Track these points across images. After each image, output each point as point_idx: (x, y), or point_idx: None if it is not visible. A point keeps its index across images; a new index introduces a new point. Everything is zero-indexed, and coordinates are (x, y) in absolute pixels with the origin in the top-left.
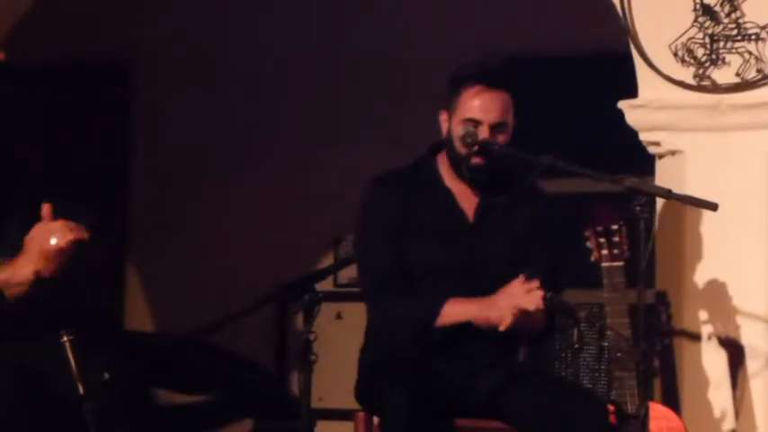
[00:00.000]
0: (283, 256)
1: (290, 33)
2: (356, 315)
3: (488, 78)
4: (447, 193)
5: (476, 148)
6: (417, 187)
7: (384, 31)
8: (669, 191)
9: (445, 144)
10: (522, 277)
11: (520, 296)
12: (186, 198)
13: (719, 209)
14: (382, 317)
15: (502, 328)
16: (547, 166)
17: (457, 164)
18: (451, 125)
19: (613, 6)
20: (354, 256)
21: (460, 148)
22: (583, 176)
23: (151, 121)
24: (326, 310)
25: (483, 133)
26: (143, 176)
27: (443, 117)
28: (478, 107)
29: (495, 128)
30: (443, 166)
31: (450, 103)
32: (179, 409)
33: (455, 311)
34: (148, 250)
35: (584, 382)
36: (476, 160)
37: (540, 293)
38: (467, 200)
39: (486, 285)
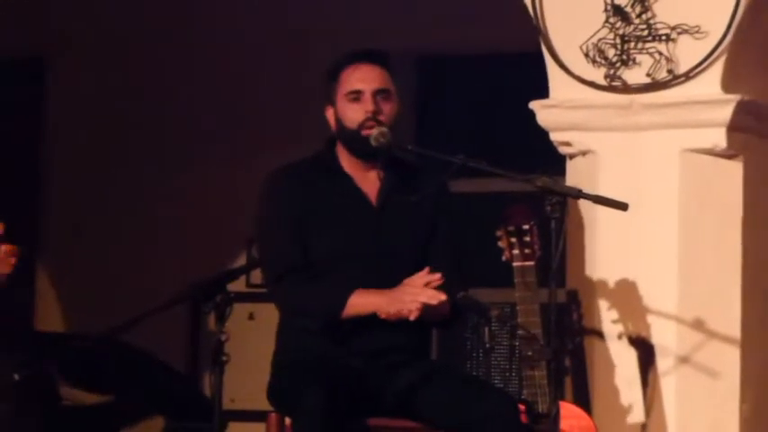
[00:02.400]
0: (195, 256)
1: (212, 30)
2: (268, 316)
3: (361, 55)
4: (347, 179)
5: (368, 123)
6: (317, 176)
7: (303, 33)
8: (580, 191)
9: (337, 134)
10: (426, 270)
11: (422, 291)
12: (98, 196)
13: (631, 208)
14: (287, 309)
15: (411, 318)
16: (458, 164)
17: (351, 142)
18: (337, 109)
19: (526, 6)
20: (256, 249)
21: (350, 124)
22: (495, 176)
23: (64, 119)
24: (239, 310)
25: (367, 104)
26: (55, 174)
27: (329, 112)
28: (357, 78)
29: (378, 94)
30: (343, 155)
31: (331, 93)
32: (89, 408)
33: (361, 302)
34: (59, 249)
35: (496, 381)
36: (366, 132)
37: (437, 287)
38: (368, 185)
39: (393, 270)
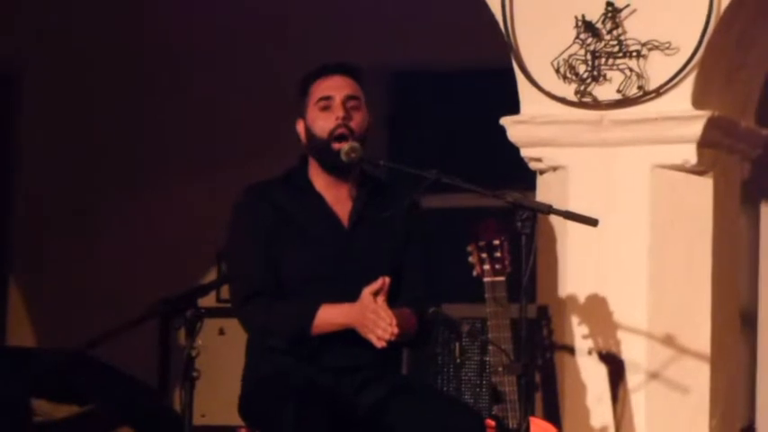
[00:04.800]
0: (166, 271)
1: (181, 45)
2: (239, 331)
3: (333, 67)
4: (319, 198)
5: (339, 130)
6: (289, 195)
7: (274, 47)
8: (550, 206)
9: (308, 147)
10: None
11: (370, 322)
12: (70, 212)
13: (602, 224)
14: (254, 330)
15: (379, 347)
16: (431, 179)
17: (320, 153)
18: (308, 120)
19: (497, 23)
20: (225, 266)
21: (321, 133)
22: (466, 191)
23: (35, 135)
24: (209, 325)
25: (338, 110)
26: (26, 190)
27: (300, 125)
28: (328, 86)
29: (348, 101)
30: (314, 172)
31: (302, 105)
32: (60, 423)
33: (330, 319)
34: (31, 265)
35: (466, 396)
36: (336, 145)
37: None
38: (340, 205)
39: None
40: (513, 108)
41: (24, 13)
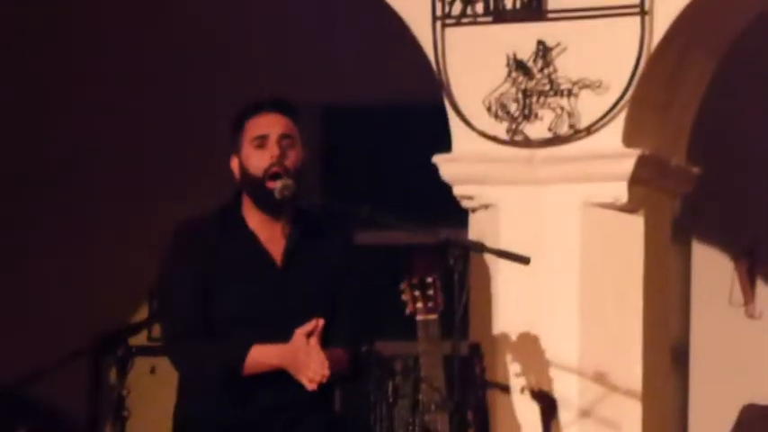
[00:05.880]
0: (97, 308)
1: (119, 78)
2: (170, 369)
3: (267, 104)
4: (252, 236)
5: (274, 169)
6: (222, 232)
7: (208, 84)
8: (482, 244)
9: (242, 184)
10: (311, 342)
11: (302, 364)
12: (2, 248)
13: (533, 262)
14: (184, 369)
15: (310, 389)
16: (363, 217)
17: (254, 191)
18: (242, 157)
19: (429, 60)
20: (156, 305)
21: (255, 171)
22: (399, 228)
23: None
24: (140, 364)
25: (273, 149)
26: None
27: (234, 162)
28: (263, 123)
29: (282, 139)
30: (248, 209)
31: (236, 142)
32: None
33: (261, 360)
34: None
35: None
36: (271, 184)
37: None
38: (273, 243)
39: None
40: (447, 145)
41: None
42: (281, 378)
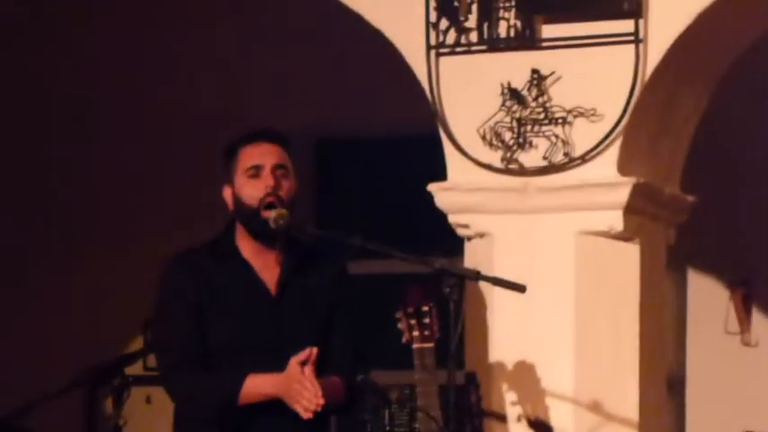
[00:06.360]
0: (93, 339)
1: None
2: (166, 399)
3: (260, 134)
4: (246, 266)
5: (269, 199)
6: (216, 262)
7: (201, 115)
8: (478, 273)
9: (235, 214)
10: (305, 371)
11: (297, 393)
12: None
13: (528, 290)
14: (180, 399)
15: (305, 417)
16: (357, 246)
17: (249, 221)
18: (236, 188)
19: (423, 90)
20: (151, 335)
21: (250, 200)
22: (393, 257)
23: None
24: (136, 393)
25: (267, 179)
26: None
27: (227, 192)
28: (257, 153)
29: (277, 169)
30: (241, 238)
31: (230, 172)
32: None
33: (256, 389)
34: None
35: None
36: (266, 214)
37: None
38: (267, 272)
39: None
40: (441, 174)
41: None
42: (276, 407)
